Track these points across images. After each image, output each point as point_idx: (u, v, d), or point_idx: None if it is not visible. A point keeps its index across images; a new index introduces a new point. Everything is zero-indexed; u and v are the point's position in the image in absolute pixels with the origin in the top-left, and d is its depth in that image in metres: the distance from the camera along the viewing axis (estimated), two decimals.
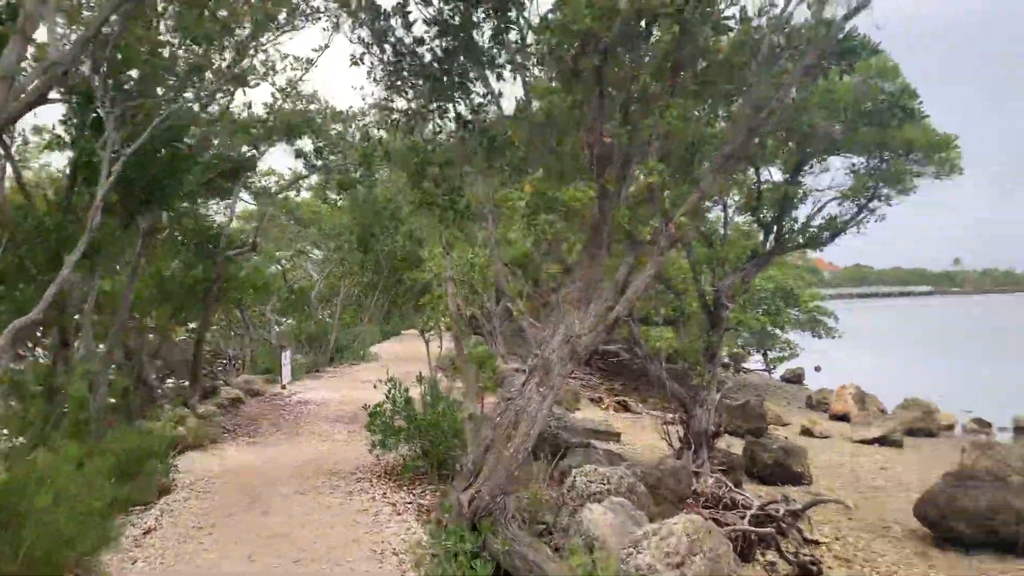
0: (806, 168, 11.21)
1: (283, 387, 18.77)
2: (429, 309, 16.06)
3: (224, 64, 11.71)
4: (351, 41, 7.91)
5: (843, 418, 21.25)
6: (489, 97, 7.19)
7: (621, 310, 6.77)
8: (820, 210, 11.43)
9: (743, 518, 9.53)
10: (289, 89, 13.44)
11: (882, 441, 18.15)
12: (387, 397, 10.32)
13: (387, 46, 7.58)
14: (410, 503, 8.84)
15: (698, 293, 11.54)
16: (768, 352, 29.04)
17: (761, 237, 11.50)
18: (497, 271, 8.18)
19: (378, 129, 8.76)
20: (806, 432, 18.92)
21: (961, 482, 10.62)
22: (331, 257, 27.70)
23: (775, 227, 11.16)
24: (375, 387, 10.93)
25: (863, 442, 18.23)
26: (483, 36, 7.46)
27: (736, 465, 13.15)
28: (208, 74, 10.94)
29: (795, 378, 32.60)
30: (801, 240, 11.08)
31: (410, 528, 7.77)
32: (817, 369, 37.68)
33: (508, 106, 7.50)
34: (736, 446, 14.68)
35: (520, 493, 8.21)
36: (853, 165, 10.95)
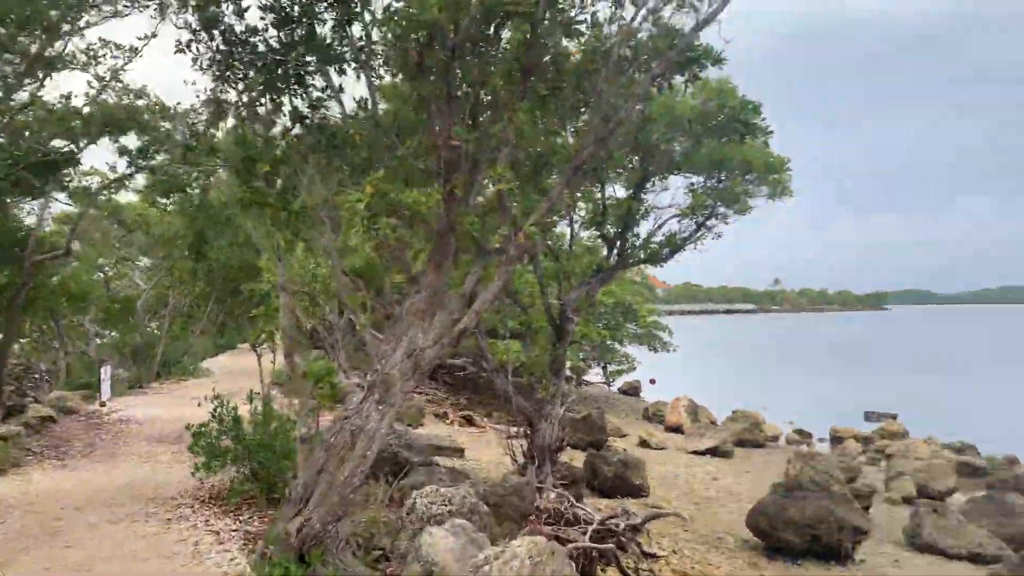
0: (648, 185, 11.33)
1: (102, 404, 17.24)
2: (261, 321, 15.14)
3: (34, 47, 10.53)
4: (176, 26, 7.20)
5: (677, 430, 21.87)
6: (329, 92, 6.68)
7: (468, 322, 6.43)
8: (661, 227, 11.59)
9: (584, 534, 9.39)
10: (110, 80, 12.26)
11: (714, 452, 18.76)
12: (213, 415, 9.52)
13: (216, 32, 6.93)
14: (236, 530, 8.12)
15: (545, 307, 11.40)
16: (608, 365, 29.58)
17: (605, 252, 11.50)
18: (338, 280, 7.64)
19: (207, 126, 8.03)
20: (644, 444, 19.29)
21: (789, 493, 10.97)
22: (160, 265, 25.89)
23: (618, 242, 11.20)
24: (199, 405, 10.07)
25: (696, 453, 18.77)
26: (324, 28, 6.96)
27: (578, 478, 13.10)
28: (12, 56, 9.76)
29: (632, 391, 33.47)
30: (643, 256, 11.17)
31: (234, 559, 7.09)
32: (652, 382, 38.90)
33: (353, 103, 7.02)
34: (578, 459, 14.68)
35: (356, 517, 7.68)
36: (692, 184, 11.17)
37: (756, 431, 20.70)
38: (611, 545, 9.19)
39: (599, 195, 11.05)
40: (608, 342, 26.26)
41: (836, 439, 22.09)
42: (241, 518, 8.55)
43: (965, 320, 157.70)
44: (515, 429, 17.71)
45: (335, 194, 6.32)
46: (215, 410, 9.53)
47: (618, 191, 11.66)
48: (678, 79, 7.15)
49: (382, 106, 7.32)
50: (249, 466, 9.16)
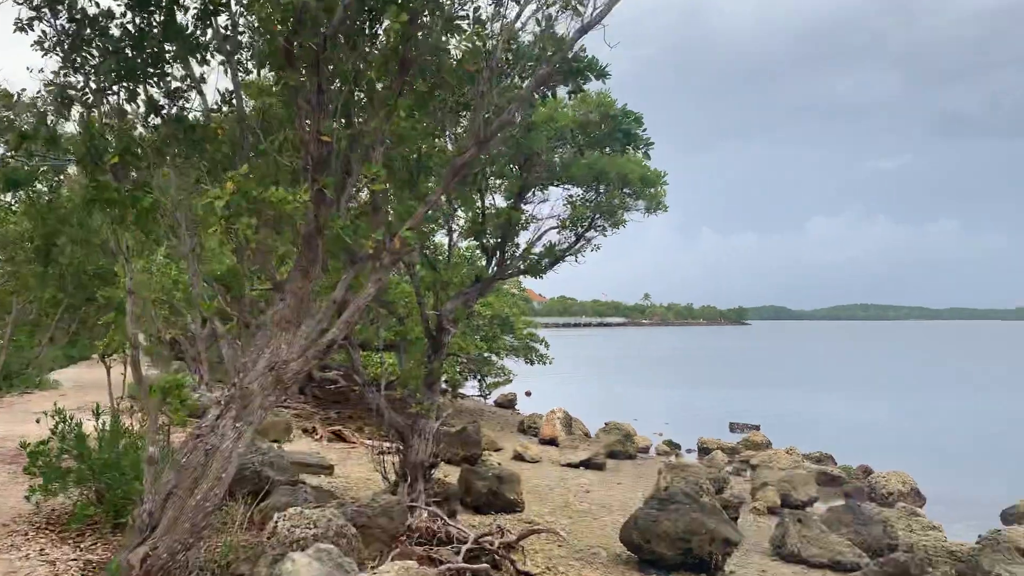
0: (529, 195, 11.18)
1: None
2: (110, 330, 14.09)
3: None
4: (15, 1, 6.47)
5: (552, 442, 21.84)
6: (189, 82, 6.14)
7: (337, 333, 6.01)
8: (540, 238, 11.45)
9: (458, 554, 9.07)
10: None
11: (587, 464, 18.80)
12: (53, 432, 8.65)
13: (62, 10, 6.26)
14: (74, 560, 7.35)
15: (421, 317, 11.02)
16: (484, 378, 29.34)
17: (485, 262, 11.26)
18: (194, 287, 7.04)
19: (51, 114, 7.26)
20: (518, 457, 19.13)
21: (662, 505, 10.98)
22: (2, 269, 23.83)
23: (498, 252, 10.98)
24: (38, 421, 9.15)
25: (570, 466, 18.76)
26: (187, 15, 6.41)
27: (451, 495, 12.76)
28: None
29: (508, 403, 33.43)
30: (522, 267, 10.99)
31: None
32: (528, 394, 39.08)
33: (216, 95, 6.49)
34: (453, 474, 14.36)
35: (212, 543, 7.08)
36: (571, 196, 11.10)
37: (628, 443, 20.92)
38: (485, 565, 8.91)
39: (479, 203, 10.80)
40: (485, 354, 26.07)
41: (704, 450, 22.61)
42: (82, 546, 7.77)
43: (819, 335, 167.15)
44: (388, 445, 17.15)
45: (193, 192, 5.79)
46: (56, 426, 8.66)
47: (498, 200, 11.45)
48: (562, 91, 6.98)
49: (249, 102, 6.81)
50: (94, 488, 8.38)
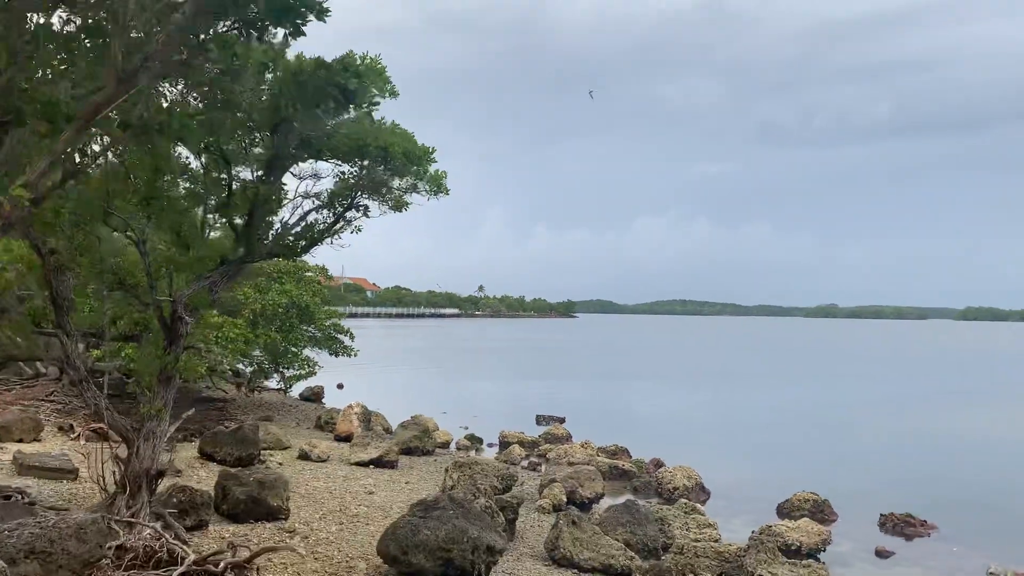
0: (292, 171, 9.89)
1: None
2: None
3: None
4: None
5: (348, 439, 20.52)
6: None
7: None
8: (305, 217, 10.20)
9: None
10: None
11: (378, 463, 17.66)
12: None
13: None
14: None
15: (153, 303, 9.50)
16: (286, 370, 27.53)
17: (235, 242, 9.87)
18: None
19: None
20: (304, 456, 17.71)
21: (426, 512, 10.03)
22: None
23: (248, 232, 9.62)
24: None
25: (360, 464, 17.54)
26: None
27: (202, 504, 11.31)
28: None
29: (314, 396, 31.71)
30: (275, 248, 9.70)
31: None
32: (340, 387, 37.44)
33: None
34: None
35: None
36: (344, 172, 9.91)
37: (426, 438, 19.94)
38: None
39: (224, 175, 9.41)
40: (286, 345, 24.40)
41: (505, 444, 22.01)
42: None
43: (639, 328, 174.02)
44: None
45: None
46: None
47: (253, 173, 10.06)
48: (279, 34, 5.77)
49: None
50: None
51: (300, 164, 10.12)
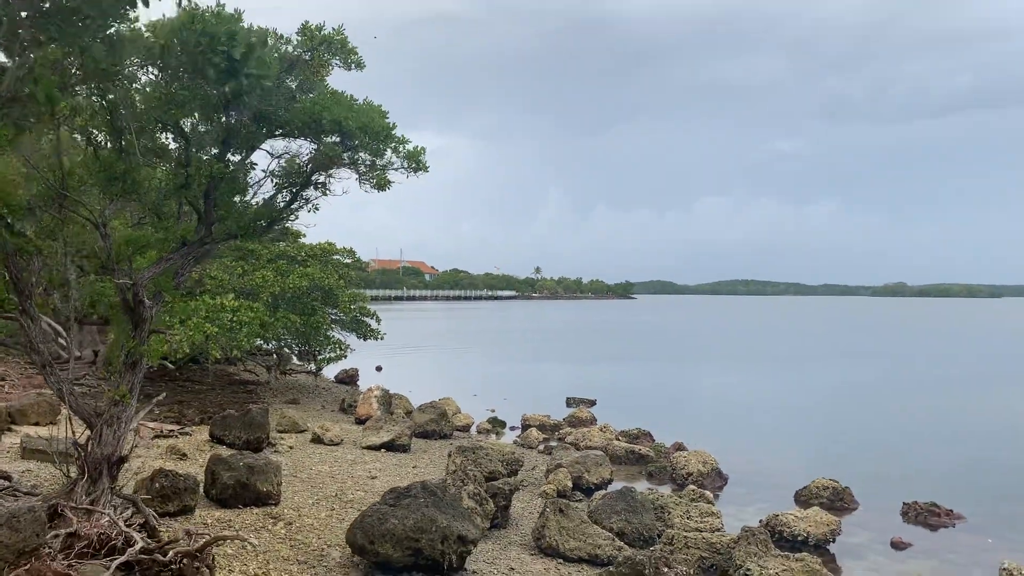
0: (252, 147, 9.55)
1: None
2: None
3: None
4: None
5: (367, 422, 20.39)
6: None
7: None
8: (275, 196, 9.88)
9: (108, 569, 7.48)
10: None
11: (390, 446, 17.43)
12: None
13: None
14: None
15: (117, 287, 9.28)
16: (319, 352, 27.55)
17: (196, 223, 9.60)
18: None
19: None
20: (317, 439, 17.58)
21: (397, 500, 9.68)
22: None
23: (207, 212, 9.33)
24: None
25: (370, 448, 17.35)
26: None
27: (185, 488, 11.16)
28: None
29: (349, 379, 31.80)
30: (235, 227, 9.38)
31: None
32: (378, 369, 37.55)
33: None
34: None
35: None
36: (300, 148, 9.54)
37: (443, 422, 19.63)
38: None
39: (180, 153, 9.13)
40: (319, 328, 24.33)
41: (527, 427, 21.59)
42: None
43: (698, 308, 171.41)
44: (169, 428, 15.21)
45: None
46: None
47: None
48: None
49: None
50: None
51: (268, 141, 9.77)
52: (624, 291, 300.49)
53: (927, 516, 13.73)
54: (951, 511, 13.92)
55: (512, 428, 22.29)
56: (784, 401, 30.43)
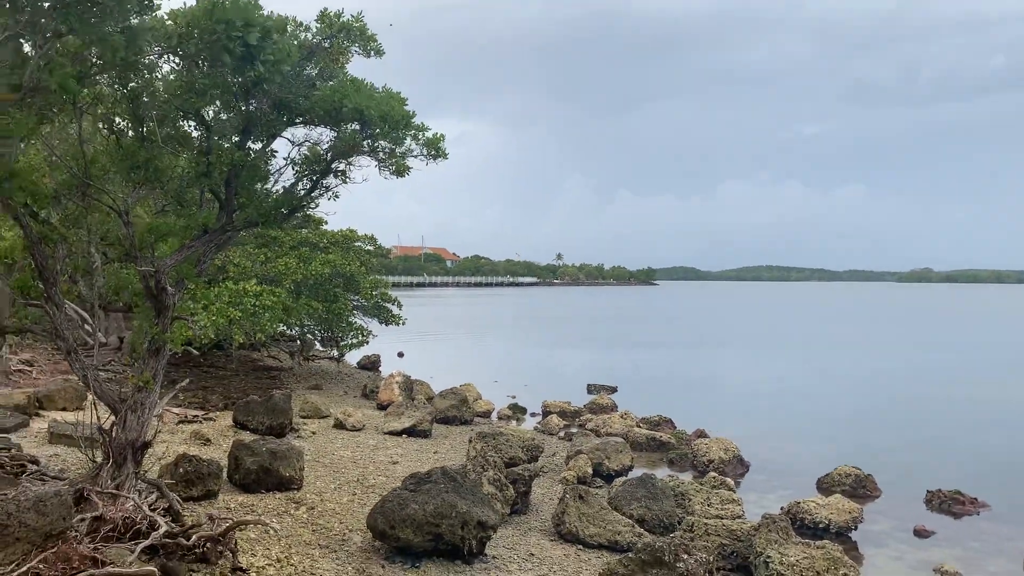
0: (273, 135, 9.62)
1: None
2: None
3: None
4: None
5: (389, 407, 20.53)
6: None
7: None
8: (297, 184, 9.94)
9: (132, 552, 7.61)
10: None
11: (411, 432, 17.53)
12: None
13: None
14: None
15: (140, 274, 9.40)
16: (340, 338, 27.73)
17: (218, 210, 9.68)
18: None
19: None
20: (339, 425, 17.74)
21: (417, 485, 9.75)
22: None
23: (227, 200, 9.40)
24: None
25: (393, 434, 17.47)
26: None
27: (208, 473, 11.32)
28: None
29: (371, 365, 32.02)
30: (256, 215, 9.45)
31: None
32: (400, 355, 37.74)
33: None
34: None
35: None
36: (321, 136, 9.59)
37: (463, 408, 19.73)
38: (152, 568, 7.45)
39: (203, 141, 9.20)
40: (340, 314, 24.47)
41: (547, 413, 21.63)
42: None
43: (724, 295, 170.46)
44: (195, 413, 15.44)
45: None
46: None
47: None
48: None
49: None
50: None
51: (289, 129, 9.82)
52: (646, 277, 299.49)
53: (951, 504, 13.63)
54: (975, 499, 13.81)
55: (532, 414, 22.36)
56: (808, 388, 30.27)
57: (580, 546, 10.65)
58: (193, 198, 10.84)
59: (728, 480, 13.75)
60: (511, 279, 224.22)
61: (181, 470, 11.10)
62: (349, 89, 8.91)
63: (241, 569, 8.59)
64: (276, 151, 10.05)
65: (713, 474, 13.99)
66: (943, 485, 14.32)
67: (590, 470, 14.46)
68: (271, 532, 9.79)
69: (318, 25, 8.89)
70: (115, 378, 20.99)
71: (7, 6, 4.18)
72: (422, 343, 44.08)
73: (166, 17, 6.80)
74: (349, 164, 9.27)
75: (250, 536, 9.57)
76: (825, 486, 14.68)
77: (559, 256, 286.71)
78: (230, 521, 8.81)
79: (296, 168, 9.41)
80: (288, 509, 11.24)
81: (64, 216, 9.63)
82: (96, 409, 10.08)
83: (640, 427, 19.07)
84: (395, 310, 26.38)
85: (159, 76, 8.71)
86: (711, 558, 8.79)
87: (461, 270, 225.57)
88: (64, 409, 16.55)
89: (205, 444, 14.85)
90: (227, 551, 8.66)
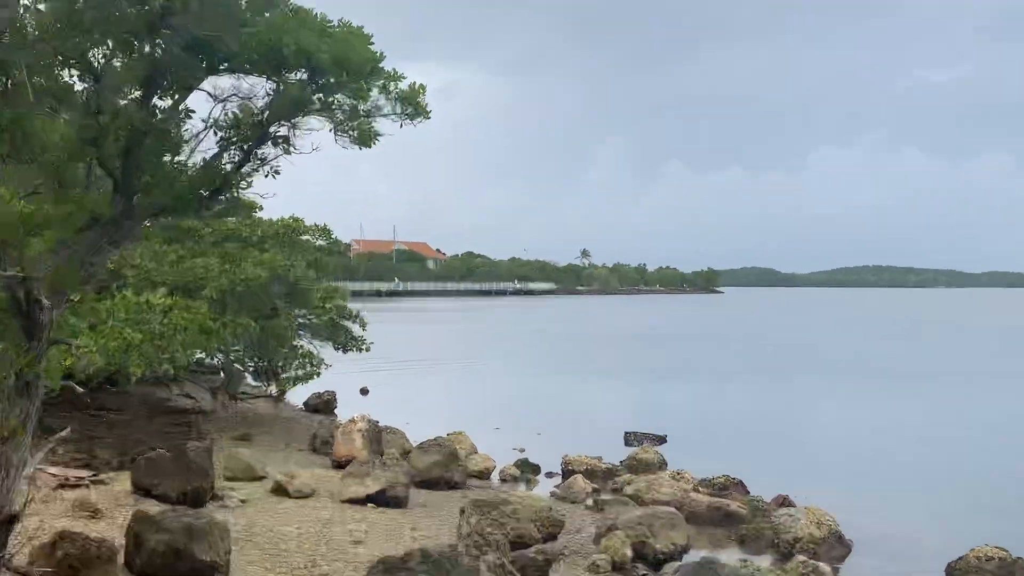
0: (188, 88, 9.71)
1: None
2: None
3: None
4: None
5: (348, 464, 20.63)
6: None
7: None
8: (219, 156, 10.03)
9: None
10: None
11: (379, 499, 17.58)
12: None
13: None
14: None
15: (3, 282, 9.47)
16: (281, 369, 27.91)
17: (112, 192, 9.77)
18: None
19: None
20: (279, 490, 17.81)
21: (389, 574, 9.83)
22: None
23: (126, 178, 9.49)
24: None
25: (354, 502, 17.52)
26: None
27: (99, 556, 11.39)
28: None
29: (323, 406, 32.13)
30: (165, 198, 9.54)
31: None
32: (364, 392, 37.95)
33: None
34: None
35: None
36: (254, 88, 9.67)
37: (452, 465, 19.81)
38: None
39: (86, 96, 9.30)
40: (276, 336, 24.63)
41: (569, 472, 21.72)
42: None
43: (815, 308, 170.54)
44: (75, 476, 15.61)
45: None
46: None
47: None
48: None
49: None
50: None
51: (211, 79, 9.91)
52: (707, 282, 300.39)
53: None
54: None
55: (549, 475, 22.47)
56: (931, 437, 30.29)
57: None
58: (78, 176, 10.91)
59: (823, 566, 13.84)
60: (518, 285, 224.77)
61: (61, 553, 11.14)
62: (292, 24, 9.00)
63: None
64: (193, 111, 10.10)
65: (802, 557, 14.08)
66: None
67: (630, 552, 14.54)
68: None
69: None
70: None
71: None
72: (395, 376, 44.27)
73: None
74: (294, 128, 9.37)
75: None
76: (958, 573, 14.73)
77: (585, 253, 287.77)
78: None
79: (220, 133, 9.49)
80: None
81: None
82: None
83: (699, 492, 19.15)
84: (357, 330, 26.61)
85: (27, 5, 8.84)
86: None
87: (449, 273, 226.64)
88: None
89: (93, 517, 14.96)
90: None
